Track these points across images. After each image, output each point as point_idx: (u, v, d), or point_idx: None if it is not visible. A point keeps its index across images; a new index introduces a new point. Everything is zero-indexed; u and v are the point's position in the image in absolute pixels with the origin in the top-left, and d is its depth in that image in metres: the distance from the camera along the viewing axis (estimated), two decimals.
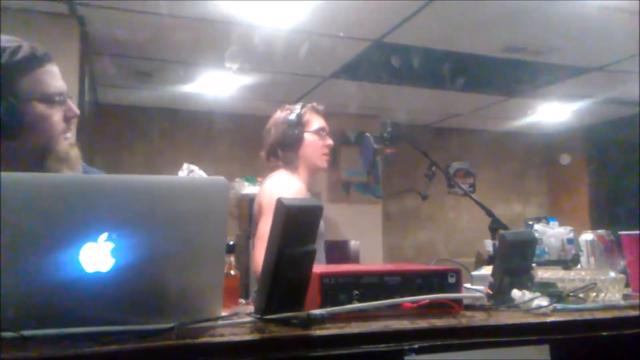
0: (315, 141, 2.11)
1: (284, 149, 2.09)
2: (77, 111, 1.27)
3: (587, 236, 1.68)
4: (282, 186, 1.99)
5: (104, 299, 0.82)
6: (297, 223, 0.93)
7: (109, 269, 0.81)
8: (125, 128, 5.41)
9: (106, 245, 0.81)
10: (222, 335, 0.82)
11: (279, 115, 2.14)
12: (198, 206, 0.85)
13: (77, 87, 3.26)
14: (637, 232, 1.38)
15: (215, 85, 4.75)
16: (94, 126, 4.76)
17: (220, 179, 0.87)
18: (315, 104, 2.18)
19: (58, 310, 0.80)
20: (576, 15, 3.41)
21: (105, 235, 0.80)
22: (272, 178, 2.08)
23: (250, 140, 5.76)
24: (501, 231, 1.56)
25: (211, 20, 3.39)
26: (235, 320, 0.92)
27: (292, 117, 2.08)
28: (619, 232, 1.47)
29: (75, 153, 1.26)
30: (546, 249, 2.16)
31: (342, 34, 3.67)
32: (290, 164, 2.09)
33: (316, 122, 2.12)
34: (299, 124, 2.08)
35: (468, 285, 1.34)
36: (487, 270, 1.38)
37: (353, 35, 3.72)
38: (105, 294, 0.82)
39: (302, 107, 2.13)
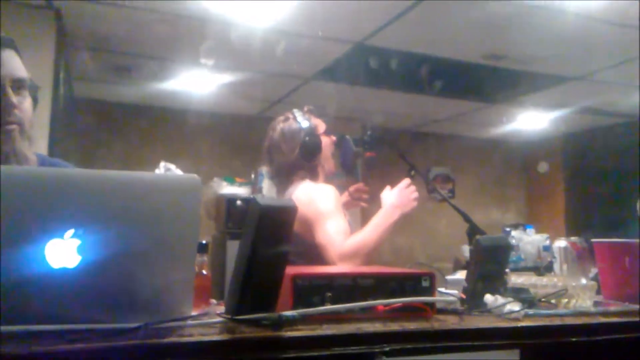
0: (327, 143, 2.04)
1: (308, 158, 1.98)
2: (12, 101, 1.19)
3: (561, 243, 1.70)
4: (318, 190, 1.92)
5: (71, 296, 0.80)
6: (271, 223, 0.92)
7: (75, 265, 0.79)
8: (101, 124, 5.33)
9: (72, 241, 0.79)
10: (190, 335, 0.81)
11: (283, 126, 2.01)
12: (169, 203, 0.84)
13: (52, 79, 3.20)
14: (609, 239, 1.40)
15: (195, 83, 4.71)
16: (69, 120, 4.68)
17: (193, 176, 0.85)
18: (310, 106, 2.12)
19: (23, 307, 0.78)
20: (557, 25, 3.46)
21: (71, 231, 0.78)
22: (302, 188, 1.96)
23: (229, 139, 5.73)
24: (477, 236, 1.57)
25: (192, 17, 3.36)
26: (205, 320, 0.90)
27: (306, 124, 1.99)
28: (591, 240, 1.49)
29: (8, 148, 1.18)
30: (522, 256, 2.18)
31: (323, 35, 3.67)
32: (313, 172, 2.01)
33: (320, 124, 2.05)
34: (314, 129, 2.00)
35: (442, 289, 1.34)
36: (461, 274, 1.38)
37: (335, 37, 3.73)
38: (71, 291, 0.80)
39: (304, 112, 2.03)
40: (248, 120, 5.61)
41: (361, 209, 2.39)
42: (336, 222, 1.84)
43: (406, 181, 1.92)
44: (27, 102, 1.24)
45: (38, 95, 1.30)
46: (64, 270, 0.79)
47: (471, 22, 3.45)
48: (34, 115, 1.27)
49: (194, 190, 0.86)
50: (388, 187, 1.94)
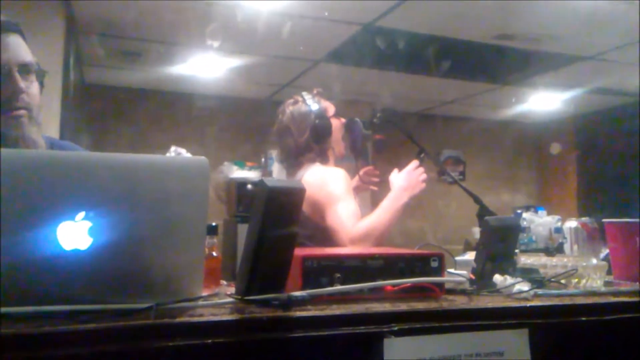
0: (337, 126, 2.04)
1: (318, 141, 1.98)
2: (19, 86, 1.19)
3: (571, 223, 1.69)
4: (329, 173, 1.93)
5: (83, 277, 0.81)
6: (279, 205, 0.92)
7: (86, 247, 0.80)
8: (111, 109, 5.35)
9: (84, 224, 0.80)
10: (201, 315, 0.82)
11: (293, 109, 2.01)
12: (178, 185, 0.84)
13: (62, 65, 3.21)
14: (620, 219, 1.39)
15: (204, 67, 4.71)
16: (79, 106, 4.70)
17: (202, 158, 0.86)
18: (319, 89, 2.11)
19: (35, 288, 0.79)
20: (567, 4, 3.40)
21: (82, 214, 0.79)
22: (313, 171, 1.96)
23: (238, 123, 5.73)
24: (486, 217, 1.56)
25: (200, 1, 3.35)
26: (215, 300, 0.91)
27: (317, 107, 1.99)
28: (603, 220, 1.48)
29: (17, 133, 1.18)
30: (534, 238, 2.17)
31: (331, 18, 3.64)
32: (323, 155, 2.01)
33: (329, 106, 2.05)
34: (324, 112, 2.00)
35: (452, 270, 1.34)
36: (470, 255, 1.38)
37: (343, 19, 3.69)
38: (83, 273, 0.81)
39: (313, 95, 2.03)
40: (257, 103, 5.61)
41: (371, 192, 2.38)
42: (347, 205, 1.84)
43: (414, 163, 1.92)
44: (35, 87, 1.25)
45: (45, 80, 1.30)
46: (76, 252, 0.80)
47: (480, 2, 3.40)
48: (41, 100, 1.27)
49: (202, 172, 0.86)
50: (396, 170, 1.94)
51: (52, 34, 3.16)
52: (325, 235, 1.85)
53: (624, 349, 1.05)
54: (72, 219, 0.79)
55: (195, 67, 4.70)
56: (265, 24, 3.61)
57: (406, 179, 1.89)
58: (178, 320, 0.78)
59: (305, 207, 1.84)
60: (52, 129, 3.07)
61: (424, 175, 1.91)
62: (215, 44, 4.00)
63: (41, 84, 1.28)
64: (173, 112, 5.52)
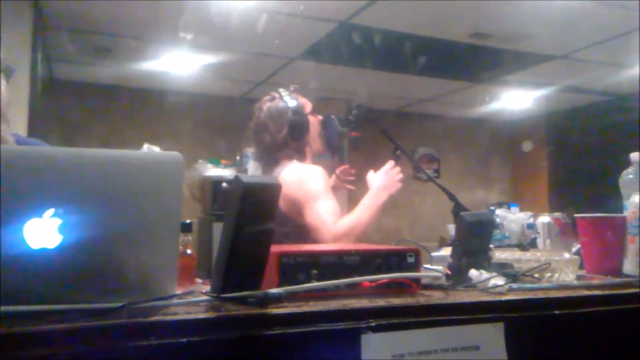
0: (314, 123, 2.04)
1: (295, 137, 1.97)
2: None
3: (544, 219, 1.71)
4: (307, 171, 1.91)
5: (52, 276, 0.79)
6: (255, 201, 0.91)
7: (55, 245, 0.78)
8: (82, 106, 5.24)
9: (53, 221, 0.77)
10: (175, 314, 0.80)
11: (270, 105, 1.99)
12: (151, 182, 0.82)
13: (29, 61, 3.13)
14: (591, 214, 1.41)
15: (178, 64, 4.65)
16: (48, 102, 4.59)
17: (175, 154, 0.84)
18: (295, 85, 2.10)
19: (3, 288, 0.77)
20: (541, 4, 3.45)
21: (51, 211, 0.77)
22: (290, 168, 1.94)
23: (213, 121, 5.68)
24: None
25: None
26: (190, 299, 0.90)
27: (294, 103, 1.97)
28: (574, 215, 1.50)
29: None
30: (507, 234, 2.20)
31: (307, 15, 3.63)
32: (301, 152, 2.00)
33: (306, 103, 2.05)
34: (301, 108, 1.99)
35: (428, 265, 1.35)
36: (446, 251, 1.39)
37: (319, 16, 3.69)
38: (53, 271, 0.79)
39: (290, 92, 2.02)
40: (232, 101, 5.56)
41: (348, 191, 2.38)
42: (327, 203, 1.84)
43: (390, 163, 1.93)
44: (1, 84, 1.21)
45: (11, 76, 1.26)
46: (44, 251, 0.77)
47: (455, 1, 3.43)
48: (9, 96, 1.23)
49: (175, 167, 0.84)
50: (372, 171, 1.95)
51: (19, 29, 3.08)
52: (302, 233, 1.84)
53: (596, 341, 1.07)
54: (40, 216, 0.77)
55: (169, 64, 4.63)
56: (240, 20, 3.58)
57: (384, 178, 1.90)
58: (152, 319, 0.77)
59: (282, 205, 1.83)
60: (21, 126, 2.99)
61: (401, 175, 1.93)
62: (190, 40, 3.95)
63: (7, 80, 1.25)
64: (146, 109, 5.44)
